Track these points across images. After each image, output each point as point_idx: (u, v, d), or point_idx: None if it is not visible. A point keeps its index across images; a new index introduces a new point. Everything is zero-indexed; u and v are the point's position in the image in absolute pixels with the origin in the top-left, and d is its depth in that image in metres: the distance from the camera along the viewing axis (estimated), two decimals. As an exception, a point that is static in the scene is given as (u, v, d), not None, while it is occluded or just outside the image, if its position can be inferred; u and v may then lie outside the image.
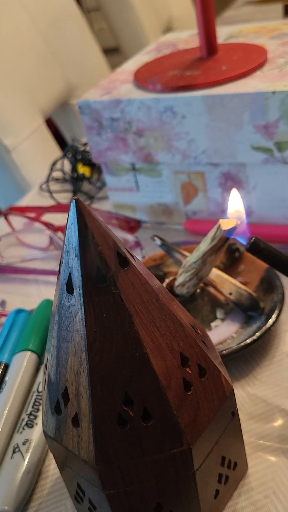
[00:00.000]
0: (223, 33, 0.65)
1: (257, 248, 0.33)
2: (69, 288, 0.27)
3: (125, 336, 0.26)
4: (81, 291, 0.26)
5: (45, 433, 0.30)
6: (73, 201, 0.25)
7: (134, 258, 0.28)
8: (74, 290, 0.26)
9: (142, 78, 0.56)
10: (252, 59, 0.54)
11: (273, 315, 0.43)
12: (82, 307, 0.26)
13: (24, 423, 0.40)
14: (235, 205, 0.35)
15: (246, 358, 0.43)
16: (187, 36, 0.69)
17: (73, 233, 0.26)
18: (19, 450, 0.38)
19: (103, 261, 0.26)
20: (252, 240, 0.33)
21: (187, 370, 0.28)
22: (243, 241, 0.33)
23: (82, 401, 0.27)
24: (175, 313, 0.29)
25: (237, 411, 0.32)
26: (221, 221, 0.37)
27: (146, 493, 0.29)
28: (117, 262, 0.26)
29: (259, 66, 0.53)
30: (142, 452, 0.27)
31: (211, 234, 0.39)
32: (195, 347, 0.29)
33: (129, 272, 0.27)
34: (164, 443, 0.27)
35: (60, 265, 0.27)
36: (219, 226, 0.37)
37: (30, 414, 0.40)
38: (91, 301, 0.26)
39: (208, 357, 0.29)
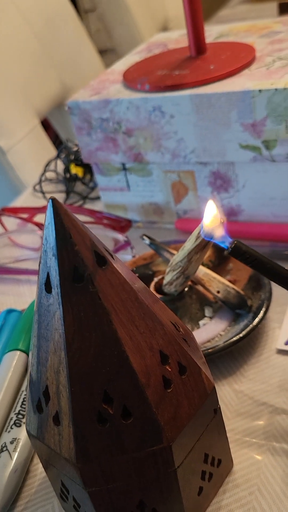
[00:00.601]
0: (214, 32, 0.66)
1: (239, 251, 0.33)
2: (48, 287, 0.27)
3: (104, 335, 0.26)
4: (59, 290, 0.26)
5: (28, 431, 0.30)
6: (50, 200, 0.26)
7: (113, 257, 0.28)
8: (53, 289, 0.26)
9: (131, 78, 0.56)
10: (240, 58, 0.54)
11: (260, 313, 0.43)
12: (61, 306, 0.26)
13: (12, 422, 0.40)
14: (212, 213, 0.35)
15: (234, 355, 0.43)
16: (178, 36, 0.69)
17: (50, 233, 0.26)
18: (6, 449, 0.38)
19: (80, 260, 0.26)
20: (233, 244, 0.33)
21: (167, 367, 0.28)
22: (224, 245, 0.34)
23: (62, 400, 0.27)
24: (155, 311, 0.29)
25: (220, 408, 0.32)
26: (204, 219, 0.37)
27: (128, 491, 0.29)
28: (95, 261, 0.26)
29: (247, 64, 0.53)
30: (122, 450, 0.27)
31: (195, 232, 0.39)
32: (175, 345, 0.29)
33: (107, 271, 0.27)
34: (144, 441, 0.28)
35: (39, 265, 0.27)
36: (203, 224, 0.38)
37: (18, 413, 0.40)
38: (69, 300, 0.26)
39: (189, 355, 0.30)
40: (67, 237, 0.26)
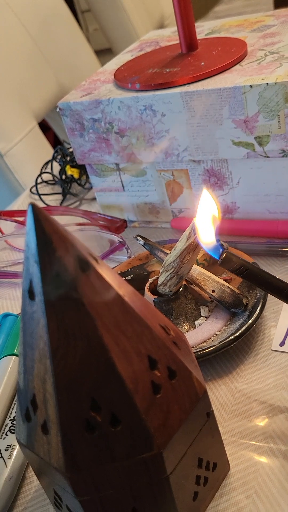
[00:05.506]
0: (205, 28, 0.65)
1: (229, 263, 0.33)
2: (31, 294, 0.26)
3: (89, 341, 0.26)
4: (42, 297, 0.26)
5: (18, 440, 0.30)
6: (30, 206, 0.25)
7: (97, 261, 0.28)
8: (36, 297, 0.26)
9: (121, 78, 0.56)
10: (231, 53, 0.53)
11: (255, 312, 0.42)
12: (44, 313, 0.26)
13: (7, 428, 0.39)
14: (209, 209, 0.35)
15: (230, 355, 0.43)
16: (170, 33, 0.69)
17: (31, 239, 0.25)
18: (1, 457, 0.37)
19: (62, 266, 0.25)
20: (223, 255, 0.32)
21: (156, 372, 0.28)
22: (215, 255, 0.33)
23: (50, 408, 0.27)
24: (143, 315, 0.28)
25: (213, 411, 0.31)
26: (195, 219, 0.37)
27: (120, 499, 0.29)
28: (78, 266, 0.26)
29: (238, 60, 0.52)
30: (112, 458, 0.27)
31: (186, 232, 0.38)
32: (164, 349, 0.28)
33: (90, 276, 0.26)
34: (134, 448, 0.27)
35: (22, 272, 0.27)
36: (194, 224, 0.37)
37: (13, 419, 0.40)
38: (53, 307, 0.26)
39: (179, 358, 0.29)
40: (48, 243, 0.25)
